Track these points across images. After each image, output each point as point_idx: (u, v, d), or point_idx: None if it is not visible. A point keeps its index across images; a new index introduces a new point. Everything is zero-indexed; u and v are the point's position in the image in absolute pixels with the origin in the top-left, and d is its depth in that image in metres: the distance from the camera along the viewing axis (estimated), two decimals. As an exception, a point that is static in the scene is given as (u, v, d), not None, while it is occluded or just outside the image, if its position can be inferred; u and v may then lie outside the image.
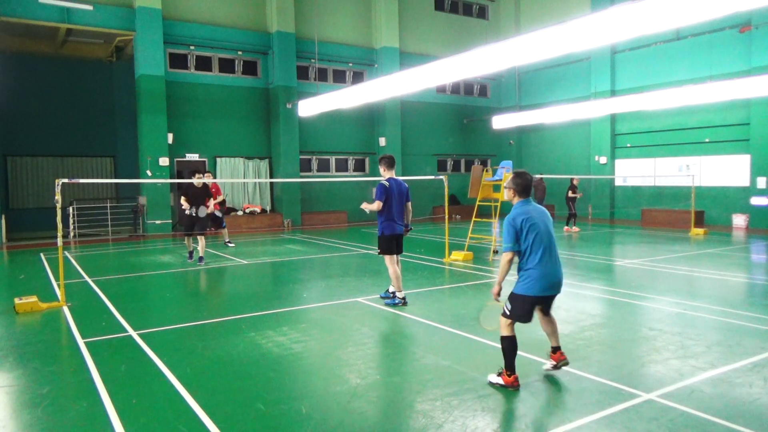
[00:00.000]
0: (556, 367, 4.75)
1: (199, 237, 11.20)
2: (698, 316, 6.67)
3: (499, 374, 4.51)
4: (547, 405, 4.15)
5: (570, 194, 17.09)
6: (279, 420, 3.96)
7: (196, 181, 11.09)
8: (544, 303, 4.63)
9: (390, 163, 7.40)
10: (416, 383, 4.61)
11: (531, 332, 6.06)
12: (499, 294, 4.58)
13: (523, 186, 4.54)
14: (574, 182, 17.27)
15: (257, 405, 4.22)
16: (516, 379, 4.42)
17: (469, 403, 4.17)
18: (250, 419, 3.97)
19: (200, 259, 11.26)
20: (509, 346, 4.48)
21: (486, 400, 4.23)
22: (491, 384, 4.53)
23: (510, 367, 4.44)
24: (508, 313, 4.52)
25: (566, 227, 17.04)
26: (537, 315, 4.76)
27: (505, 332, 4.51)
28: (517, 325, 4.56)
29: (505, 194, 4.70)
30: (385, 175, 7.38)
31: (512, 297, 4.51)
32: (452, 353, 5.37)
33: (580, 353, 5.32)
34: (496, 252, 12.25)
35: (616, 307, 7.35)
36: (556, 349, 4.78)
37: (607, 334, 6.01)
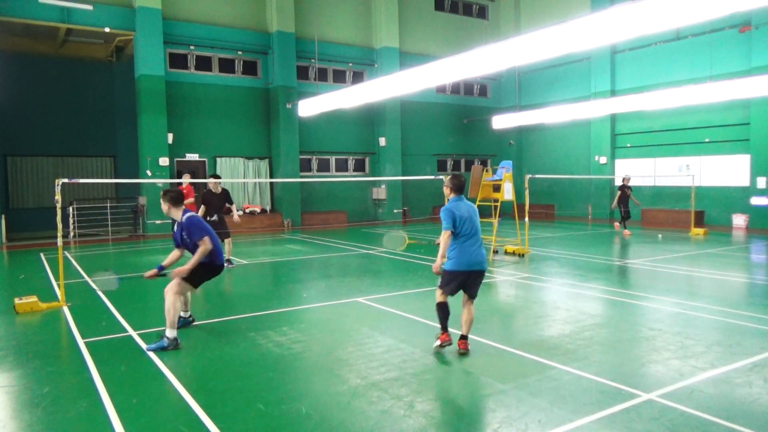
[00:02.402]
0: (441, 347, 5.41)
1: (225, 240, 10.54)
2: (698, 316, 6.67)
3: (438, 337, 5.41)
4: (547, 405, 4.15)
5: (629, 194, 16.06)
6: (279, 420, 3.96)
7: (212, 182, 10.61)
8: (469, 280, 5.40)
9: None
10: (416, 383, 4.61)
11: (531, 333, 6.07)
12: (440, 267, 5.38)
13: (458, 186, 5.60)
14: (627, 182, 16.15)
15: (257, 405, 4.22)
16: (448, 335, 5.37)
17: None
18: (250, 419, 3.97)
19: (228, 261, 10.64)
20: (442, 310, 5.42)
21: (486, 400, 4.23)
22: (440, 346, 5.35)
23: (444, 327, 5.39)
24: (439, 284, 5.46)
25: (625, 230, 16.12)
26: (462, 301, 5.52)
27: (440, 299, 5.43)
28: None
29: (444, 191, 5.84)
30: (175, 212, 5.89)
31: (443, 273, 5.41)
32: (452, 353, 5.37)
33: (580, 353, 5.32)
34: (496, 252, 12.25)
35: (616, 307, 7.35)
36: (463, 337, 5.45)
37: (607, 334, 6.01)
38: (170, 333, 5.61)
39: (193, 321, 6.57)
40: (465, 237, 5.34)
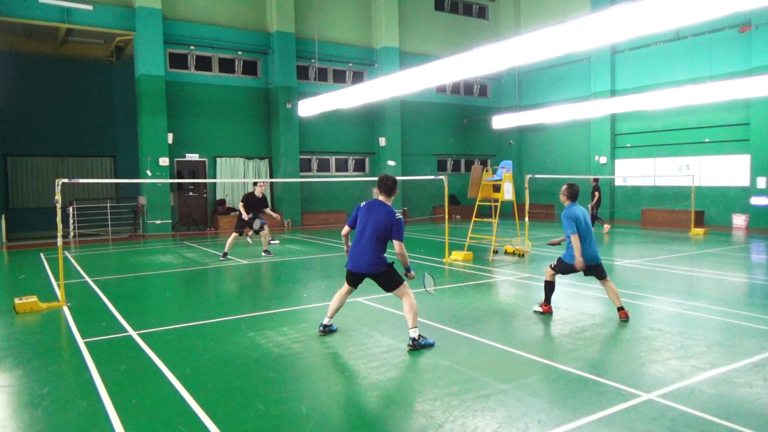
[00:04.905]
0: (542, 314, 6.67)
1: (262, 233, 12.40)
2: (698, 316, 6.67)
3: (540, 305, 6.76)
4: (547, 405, 4.15)
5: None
6: (279, 420, 3.96)
7: (258, 190, 12.04)
8: (588, 271, 6.53)
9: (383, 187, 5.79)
10: (416, 383, 4.61)
11: (531, 333, 6.07)
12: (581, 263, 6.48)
13: (573, 194, 6.64)
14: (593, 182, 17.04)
15: (257, 405, 4.22)
16: (550, 307, 6.74)
17: (469, 403, 4.17)
18: (250, 419, 3.97)
19: (266, 251, 12.44)
20: (551, 287, 6.71)
21: (486, 400, 4.23)
22: (540, 313, 6.71)
23: (548, 300, 6.71)
24: (553, 267, 6.66)
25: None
26: (600, 284, 6.76)
27: (550, 279, 6.69)
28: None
29: (561, 198, 6.77)
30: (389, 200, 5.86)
31: (560, 261, 6.61)
32: (452, 353, 5.37)
33: (580, 353, 5.32)
34: (496, 252, 12.25)
35: (616, 307, 7.33)
36: (620, 309, 6.48)
37: (607, 334, 6.01)
38: (414, 333, 5.51)
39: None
40: (582, 237, 6.39)
